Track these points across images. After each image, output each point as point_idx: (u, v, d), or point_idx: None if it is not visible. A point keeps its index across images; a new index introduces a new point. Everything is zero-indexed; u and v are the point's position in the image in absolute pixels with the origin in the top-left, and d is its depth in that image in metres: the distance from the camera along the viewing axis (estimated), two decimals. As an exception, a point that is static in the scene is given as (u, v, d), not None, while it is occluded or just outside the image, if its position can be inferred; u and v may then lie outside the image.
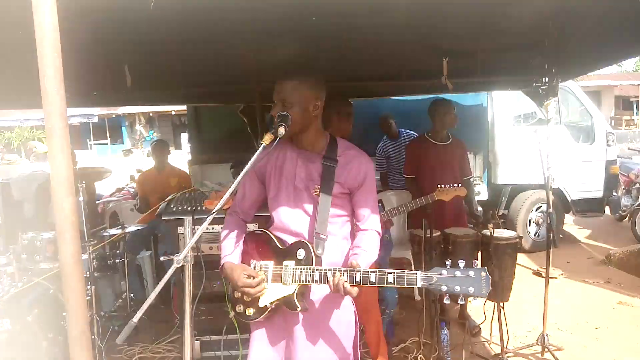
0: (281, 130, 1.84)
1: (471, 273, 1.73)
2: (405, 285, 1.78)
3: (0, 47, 3.45)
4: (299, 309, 1.94)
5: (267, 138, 1.82)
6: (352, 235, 2.13)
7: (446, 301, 1.82)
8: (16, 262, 3.62)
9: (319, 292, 2.03)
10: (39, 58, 1.35)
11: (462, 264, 1.76)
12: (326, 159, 2.03)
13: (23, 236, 3.70)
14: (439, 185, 3.66)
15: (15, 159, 25.04)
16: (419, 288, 3.39)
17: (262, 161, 2.01)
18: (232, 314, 2.14)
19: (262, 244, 2.08)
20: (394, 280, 1.78)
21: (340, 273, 1.83)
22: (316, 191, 2.00)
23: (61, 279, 3.74)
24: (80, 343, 1.47)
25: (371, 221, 2.08)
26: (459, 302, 1.79)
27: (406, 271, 1.79)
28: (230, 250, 2.08)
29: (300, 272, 1.93)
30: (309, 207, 2.03)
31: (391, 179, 5.86)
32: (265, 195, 2.18)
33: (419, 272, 1.77)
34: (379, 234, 2.10)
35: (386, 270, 1.81)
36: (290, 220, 2.04)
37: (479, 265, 1.78)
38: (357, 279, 1.81)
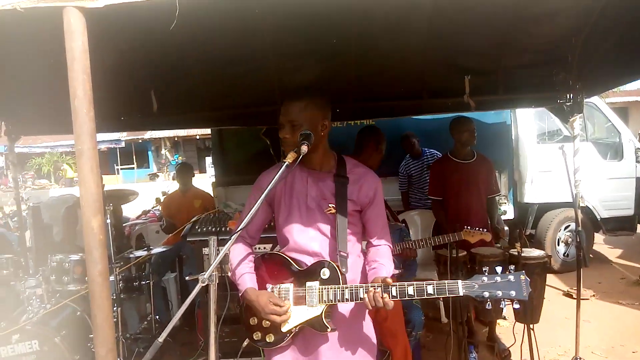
0: (304, 149, 1.83)
1: (511, 277, 1.76)
2: (447, 295, 1.78)
3: (33, 75, 3.59)
4: (329, 330, 1.91)
5: (290, 157, 1.83)
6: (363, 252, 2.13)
7: (488, 307, 1.84)
8: (45, 283, 3.68)
9: (343, 311, 2.01)
10: (69, 80, 1.39)
11: (499, 269, 1.78)
12: (337, 177, 2.03)
13: (52, 258, 3.77)
14: (465, 227, 3.66)
15: (45, 184, 25.71)
16: (445, 310, 3.36)
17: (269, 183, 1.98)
18: (246, 342, 2.11)
19: (276, 266, 2.05)
20: (434, 291, 1.78)
21: (374, 288, 1.80)
22: (329, 210, 1.99)
23: (89, 298, 3.80)
24: (107, 361, 1.47)
25: (383, 236, 2.09)
26: (500, 306, 1.84)
27: (446, 281, 1.79)
28: (249, 277, 2.04)
29: (328, 292, 1.90)
30: (324, 226, 2.01)
31: (413, 197, 5.82)
32: (270, 218, 2.18)
33: (459, 281, 1.77)
34: (391, 247, 2.11)
35: (424, 281, 1.80)
36: (306, 240, 2.02)
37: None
38: (394, 293, 1.79)
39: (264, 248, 3.12)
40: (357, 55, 3.73)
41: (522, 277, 1.75)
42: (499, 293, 1.74)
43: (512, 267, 1.82)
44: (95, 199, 1.42)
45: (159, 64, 3.88)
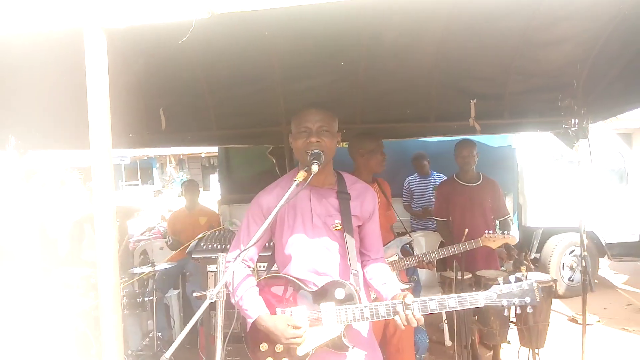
0: (315, 168, 1.83)
1: (524, 285, 1.88)
2: (469, 307, 1.85)
3: (46, 90, 3.65)
4: (349, 349, 1.90)
5: (300, 175, 1.83)
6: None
7: (505, 313, 1.99)
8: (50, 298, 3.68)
9: (359, 328, 2.01)
10: (88, 98, 1.43)
11: (512, 278, 1.91)
12: (340, 193, 2.04)
13: (57, 272, 3.78)
14: (486, 232, 3.57)
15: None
16: (450, 333, 3.34)
17: (272, 203, 1.93)
18: None
19: (282, 288, 1.99)
20: (456, 304, 1.84)
21: (402, 306, 1.82)
22: (336, 226, 1.98)
23: (99, 310, 3.79)
24: (115, 376, 1.48)
25: (380, 250, 2.14)
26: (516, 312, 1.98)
27: (467, 294, 1.86)
28: (257, 301, 1.97)
29: (346, 312, 1.88)
30: (331, 243, 1.99)
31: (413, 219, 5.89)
32: (268, 239, 2.15)
33: (480, 292, 1.87)
34: (385, 262, 2.16)
35: (446, 295, 1.85)
36: (313, 259, 1.98)
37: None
38: (416, 309, 1.81)
39: (261, 267, 3.10)
40: (365, 77, 3.79)
41: (534, 284, 1.89)
42: (516, 300, 1.86)
43: (523, 275, 1.94)
44: (109, 213, 1.44)
45: (169, 83, 3.95)
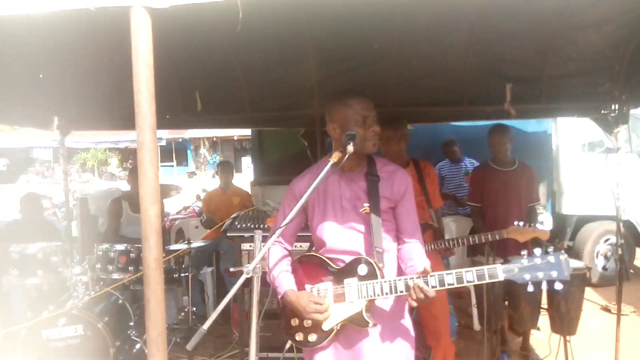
0: (350, 149, 1.87)
1: (551, 258, 1.72)
2: (487, 280, 1.77)
3: (90, 72, 3.77)
4: (370, 325, 1.93)
5: (335, 156, 1.88)
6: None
7: (530, 289, 1.76)
8: (90, 271, 3.85)
9: (383, 305, 2.04)
10: (134, 76, 1.49)
11: (538, 251, 1.75)
12: (369, 175, 2.06)
13: (98, 247, 3.94)
14: (515, 223, 3.33)
15: (89, 178, 26.66)
16: (478, 315, 3.34)
17: (304, 188, 1.97)
18: (289, 344, 2.13)
19: (313, 267, 2.08)
20: (473, 278, 1.77)
21: (413, 280, 1.82)
22: (364, 209, 2.02)
23: (131, 287, 3.91)
24: (157, 344, 1.56)
25: (415, 233, 2.10)
26: (542, 287, 1.76)
27: (485, 267, 1.77)
28: (287, 278, 2.08)
29: (367, 287, 1.93)
30: (360, 226, 2.04)
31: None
32: (304, 222, 2.21)
33: (499, 265, 1.76)
34: (422, 244, 2.12)
35: (463, 269, 1.80)
36: (343, 240, 2.05)
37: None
38: (434, 283, 1.81)
39: (301, 247, 3.18)
40: (398, 60, 3.77)
41: (562, 257, 1.72)
42: (540, 274, 1.71)
43: (550, 248, 1.77)
44: (153, 189, 1.51)
45: (205, 65, 4.03)
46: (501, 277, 1.75)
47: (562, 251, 1.74)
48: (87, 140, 24.30)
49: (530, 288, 1.76)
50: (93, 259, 3.93)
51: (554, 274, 1.71)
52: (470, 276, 1.78)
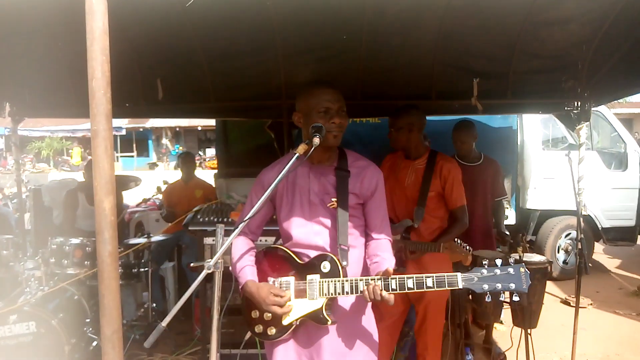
0: (316, 141, 1.83)
1: (511, 270, 1.75)
2: (447, 288, 1.78)
3: (43, 57, 3.57)
4: (329, 322, 1.91)
5: (301, 148, 1.83)
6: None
7: (487, 299, 1.81)
8: (44, 266, 3.68)
9: (344, 304, 2.01)
10: (88, 61, 1.39)
11: (499, 262, 1.78)
12: (339, 170, 2.03)
13: (52, 241, 3.77)
14: (456, 240, 3.05)
15: (44, 168, 25.74)
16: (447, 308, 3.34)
17: (272, 179, 1.92)
18: (248, 335, 2.10)
19: (278, 260, 2.05)
20: (433, 284, 1.78)
21: (374, 281, 1.80)
22: (332, 204, 1.99)
23: (87, 282, 3.76)
24: (112, 342, 1.49)
25: (383, 229, 2.09)
26: (500, 299, 1.80)
27: (445, 274, 1.79)
28: (249, 269, 2.04)
29: (328, 284, 1.90)
30: (327, 221, 2.01)
31: None
32: (271, 214, 2.17)
33: (459, 274, 1.77)
34: (391, 241, 2.11)
35: (424, 274, 1.80)
36: (309, 235, 2.02)
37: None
38: (394, 286, 1.79)
39: (266, 241, 3.11)
40: (367, 52, 3.72)
41: (522, 269, 1.75)
42: (499, 285, 1.74)
43: (512, 260, 1.82)
44: (108, 180, 1.42)
45: (167, 52, 3.87)
46: (460, 285, 1.77)
47: (523, 264, 1.77)
48: (43, 128, 23.47)
49: (489, 298, 1.80)
50: (47, 253, 3.76)
51: (512, 285, 1.74)
52: (430, 282, 1.79)
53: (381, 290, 1.77)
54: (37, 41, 3.47)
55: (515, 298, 1.80)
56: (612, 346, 4.45)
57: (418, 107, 3.31)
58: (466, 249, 2.92)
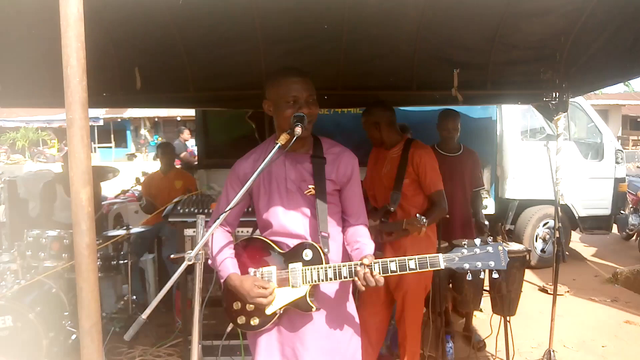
0: (298, 131, 1.81)
1: (489, 248, 1.81)
2: (429, 269, 1.82)
3: (14, 45, 3.48)
4: (313, 309, 1.91)
5: (282, 138, 1.81)
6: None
7: (468, 277, 1.84)
8: (20, 259, 3.61)
9: (326, 290, 2.02)
10: (63, 48, 1.35)
11: (477, 241, 1.83)
12: (314, 157, 2.02)
13: (28, 233, 3.69)
14: (417, 215, 2.99)
15: (20, 159, 25.19)
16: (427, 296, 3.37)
17: (248, 169, 1.96)
18: (230, 327, 2.09)
19: (258, 251, 2.03)
20: (416, 266, 1.82)
21: (363, 267, 1.81)
22: (309, 191, 1.99)
23: (65, 275, 3.69)
24: (91, 335, 1.47)
25: (361, 215, 2.10)
26: (480, 277, 1.84)
27: (427, 255, 1.82)
28: (230, 262, 2.02)
29: (311, 272, 1.90)
30: (305, 209, 2.01)
31: None
32: (248, 205, 2.16)
33: (440, 255, 1.81)
34: (367, 227, 2.12)
35: (406, 257, 1.83)
36: (288, 223, 2.00)
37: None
38: (377, 270, 1.81)
39: (247, 232, 3.09)
40: (348, 42, 3.70)
41: (500, 247, 1.82)
42: (479, 264, 1.80)
43: (490, 239, 1.86)
44: (85, 171, 1.39)
45: (145, 41, 3.79)
46: (442, 265, 1.82)
47: (501, 242, 1.83)
48: (17, 119, 22.94)
49: (469, 277, 1.83)
50: (23, 246, 3.69)
51: (492, 263, 1.80)
52: (412, 264, 1.83)
53: (373, 275, 1.79)
54: (9, 28, 3.37)
55: (495, 275, 1.84)
56: (587, 332, 4.55)
57: (384, 103, 3.37)
58: (422, 222, 2.90)
